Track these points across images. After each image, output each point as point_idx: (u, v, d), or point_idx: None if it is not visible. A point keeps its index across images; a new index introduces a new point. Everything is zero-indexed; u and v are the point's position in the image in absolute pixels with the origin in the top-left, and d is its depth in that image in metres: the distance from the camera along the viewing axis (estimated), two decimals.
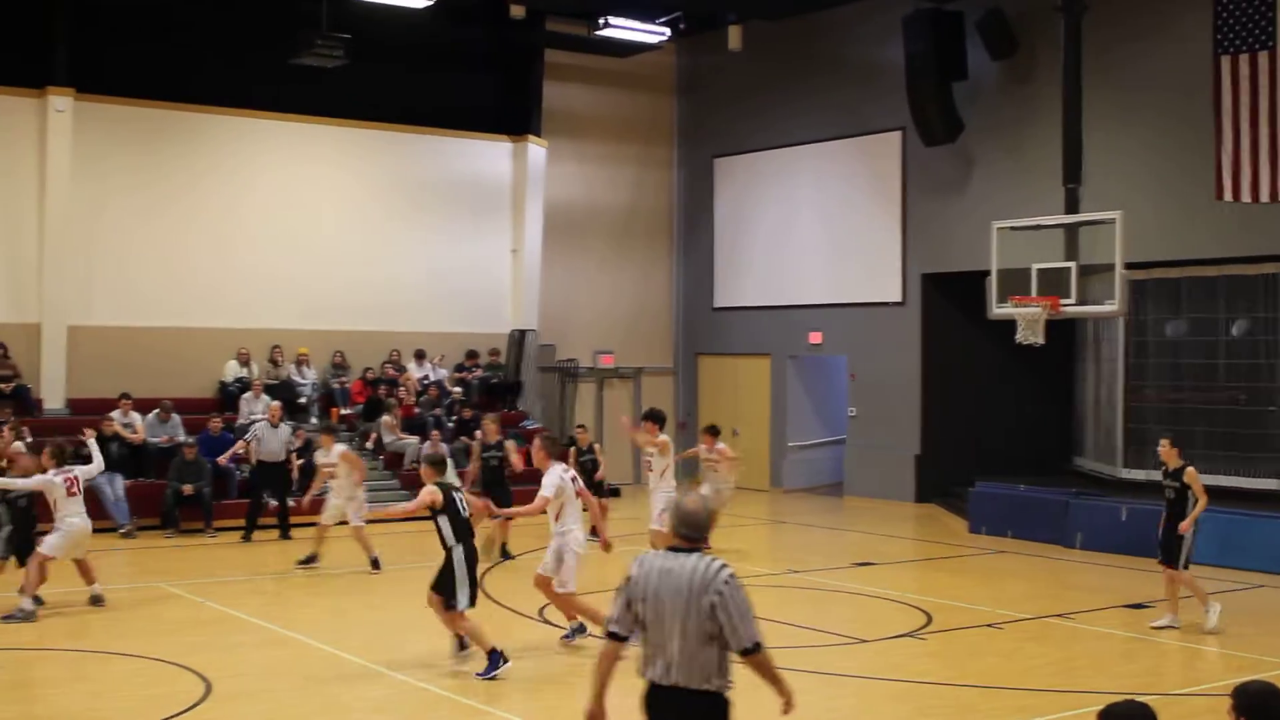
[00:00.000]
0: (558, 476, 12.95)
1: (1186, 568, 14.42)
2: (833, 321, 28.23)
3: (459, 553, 12.07)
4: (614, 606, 6.37)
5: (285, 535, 21.06)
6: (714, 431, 21.02)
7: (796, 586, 17.12)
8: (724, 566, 6.18)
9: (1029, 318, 20.01)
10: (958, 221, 25.45)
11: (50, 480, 14.70)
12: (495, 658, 11.90)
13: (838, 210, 28.20)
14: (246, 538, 20.84)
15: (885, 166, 27.17)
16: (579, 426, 22.99)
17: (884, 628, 14.34)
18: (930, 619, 14.89)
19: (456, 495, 12.34)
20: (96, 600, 15.23)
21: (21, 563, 14.81)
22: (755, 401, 30.07)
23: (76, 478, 15.02)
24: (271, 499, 21.30)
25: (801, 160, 28.91)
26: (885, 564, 19.26)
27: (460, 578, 12.04)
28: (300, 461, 21.61)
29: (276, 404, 21.95)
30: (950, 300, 26.27)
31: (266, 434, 21.19)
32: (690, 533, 6.31)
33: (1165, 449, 14.49)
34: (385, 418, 24.82)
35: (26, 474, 15.02)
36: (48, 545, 14.73)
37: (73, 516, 14.81)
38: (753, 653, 6.18)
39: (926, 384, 26.50)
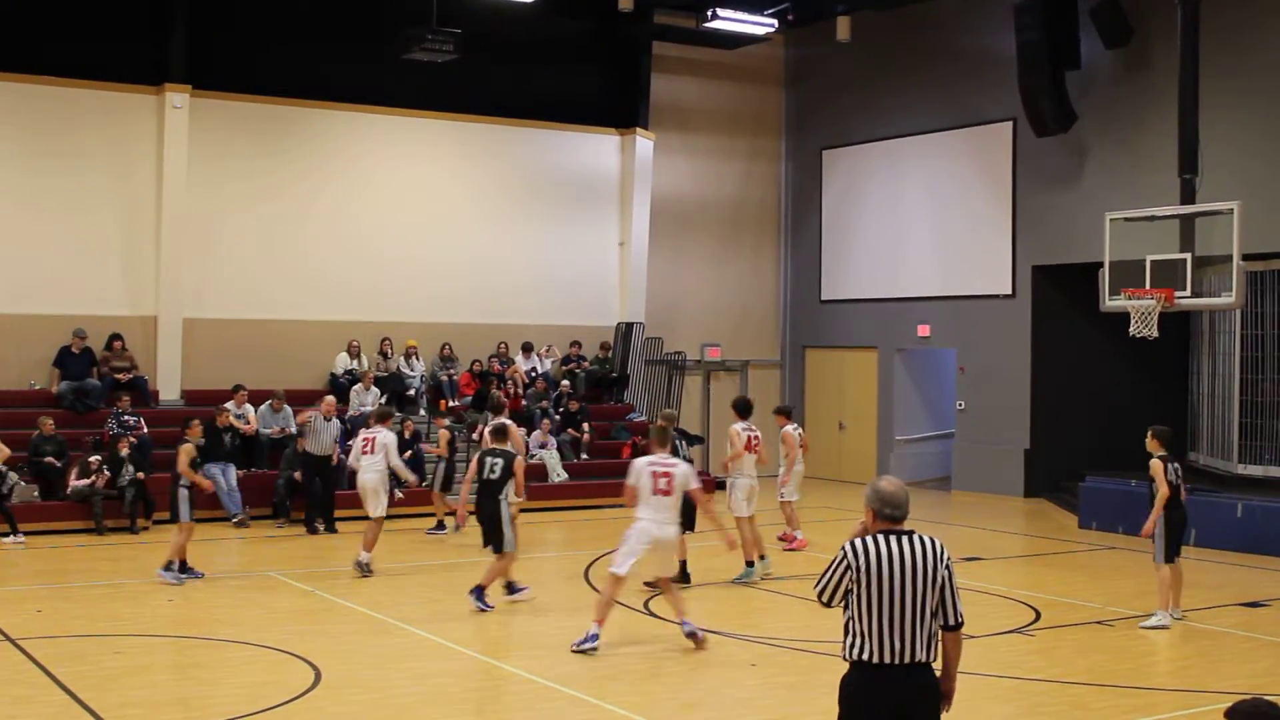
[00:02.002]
0: (638, 465, 13.00)
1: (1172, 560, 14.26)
2: (941, 314, 27.96)
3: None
4: (831, 589, 6.56)
5: (330, 529, 21.06)
6: (784, 412, 20.06)
7: None
8: (943, 545, 6.58)
9: (1142, 310, 19.67)
10: (1069, 213, 25.10)
11: None
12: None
13: (947, 202, 27.93)
14: (311, 529, 21.07)
15: (995, 158, 26.86)
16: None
17: (992, 624, 14.17)
18: (1039, 615, 14.70)
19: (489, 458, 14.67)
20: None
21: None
22: (862, 395, 29.87)
23: None
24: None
25: (910, 152, 28.66)
26: (993, 559, 19.03)
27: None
28: (409, 454, 21.79)
29: (331, 399, 21.59)
30: (1061, 292, 25.92)
31: (320, 426, 21.12)
32: (896, 513, 6.59)
33: (1151, 441, 14.42)
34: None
35: None
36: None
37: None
38: (958, 628, 6.59)
39: (1036, 377, 26.17)
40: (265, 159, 25.41)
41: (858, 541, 6.53)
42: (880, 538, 6.52)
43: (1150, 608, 14.62)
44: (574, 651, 12.41)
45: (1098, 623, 14.32)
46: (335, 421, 21.29)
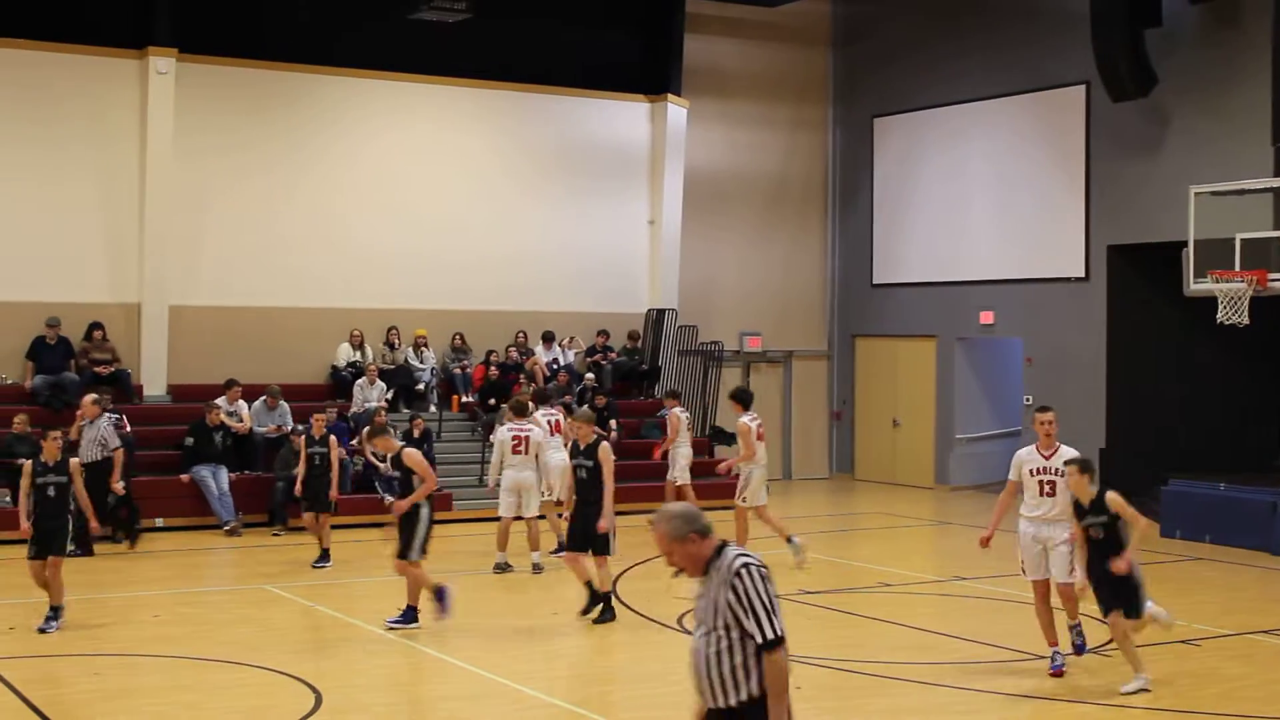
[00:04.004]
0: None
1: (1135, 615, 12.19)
2: (1006, 299, 27.83)
3: None
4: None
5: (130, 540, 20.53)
6: (738, 399, 19.59)
7: (964, 595, 16.89)
8: (743, 557, 6.36)
9: (1231, 294, 19.54)
10: (1150, 186, 24.92)
11: None
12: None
13: (1013, 175, 27.79)
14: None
15: (1067, 125, 26.69)
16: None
17: (1066, 643, 14.06)
18: None
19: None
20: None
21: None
22: (918, 388, 29.75)
23: None
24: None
25: (972, 119, 28.52)
26: None
27: None
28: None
29: (90, 398, 20.62)
30: (1140, 275, 25.76)
31: (84, 432, 20.24)
32: (708, 527, 6.47)
33: (1074, 479, 12.29)
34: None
35: None
36: None
37: None
38: (770, 646, 6.29)
39: (1112, 369, 26.01)
40: (259, 130, 25.43)
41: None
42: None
43: (1240, 625, 14.49)
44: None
45: (1182, 643, 14.20)
46: (101, 422, 20.19)
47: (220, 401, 22.72)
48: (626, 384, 27.90)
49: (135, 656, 13.33)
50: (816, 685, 11.94)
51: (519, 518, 18.37)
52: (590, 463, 15.23)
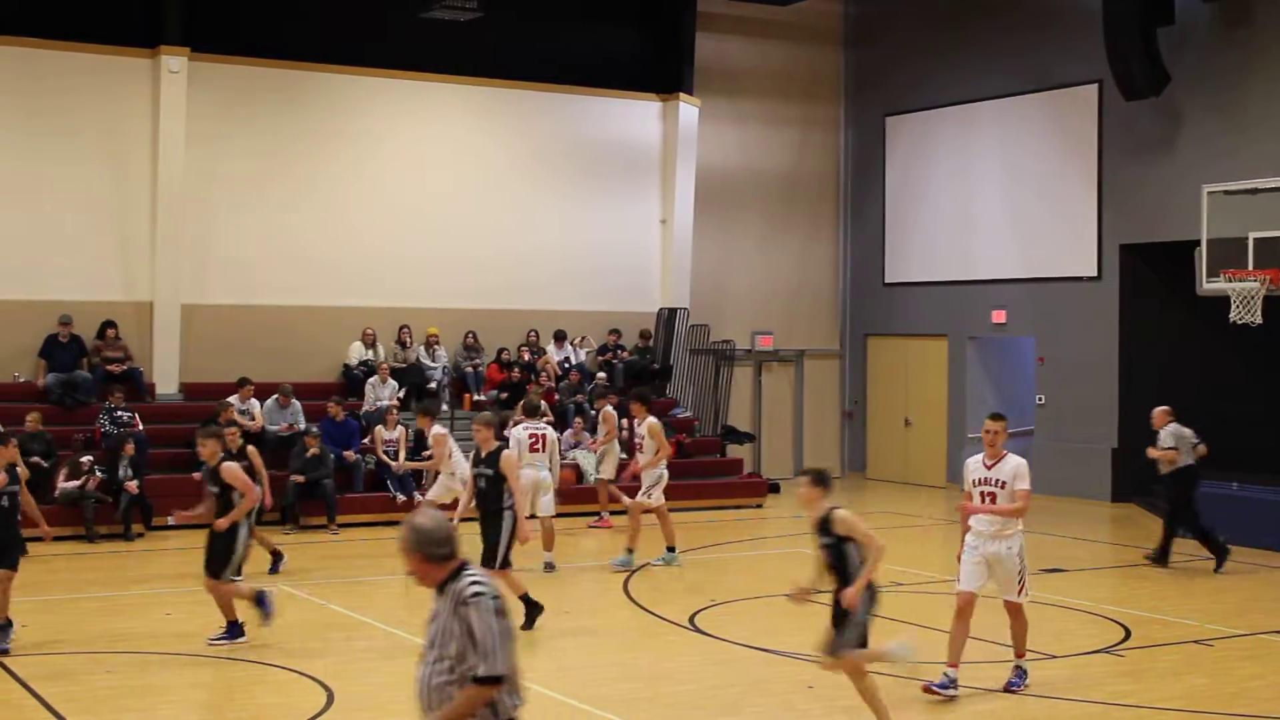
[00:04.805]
0: None
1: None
2: (1018, 298, 27.81)
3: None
4: None
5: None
6: (641, 399, 19.52)
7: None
8: (476, 582, 6.12)
9: (1244, 293, 19.54)
10: (1162, 185, 24.90)
11: None
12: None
13: (1025, 173, 27.76)
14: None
15: (1079, 124, 26.67)
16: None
17: (1076, 643, 14.08)
18: (1129, 633, 14.59)
19: None
20: None
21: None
22: (930, 388, 29.74)
23: None
24: None
25: (984, 117, 28.50)
26: (1077, 571, 18.91)
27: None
28: (427, 452, 21.82)
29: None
30: (1153, 274, 25.74)
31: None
32: (445, 550, 6.17)
33: (802, 491, 10.98)
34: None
35: None
36: None
37: None
38: (486, 682, 6.07)
39: (1125, 369, 25.99)
40: (270, 129, 25.47)
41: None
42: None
43: (1254, 625, 14.47)
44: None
45: (1195, 642, 14.21)
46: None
47: (232, 400, 22.75)
48: (638, 383, 27.85)
49: (149, 654, 13.36)
50: (832, 684, 11.92)
51: (533, 516, 18.37)
52: (490, 471, 14.35)
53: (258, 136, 25.35)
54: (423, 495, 20.48)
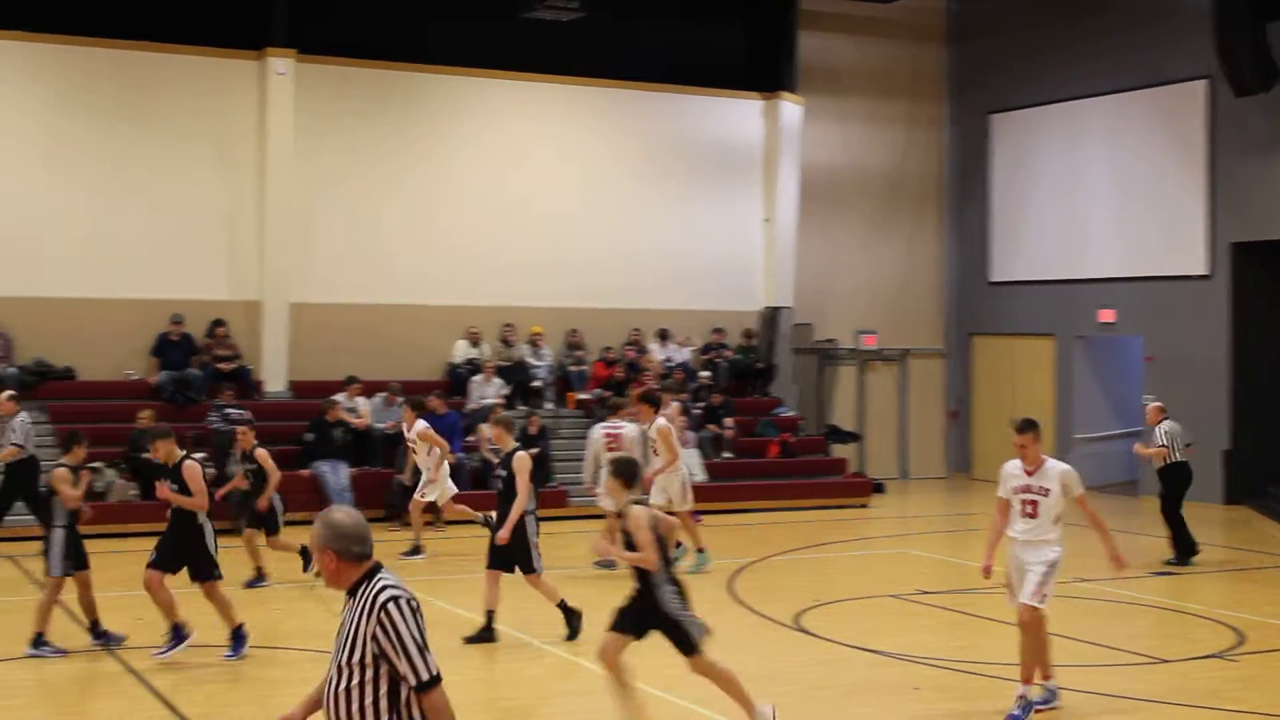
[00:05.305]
0: None
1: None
2: (1127, 297, 27.49)
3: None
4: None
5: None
6: (649, 400, 18.72)
7: (1084, 597, 16.70)
8: (393, 588, 5.84)
9: None
10: (1274, 182, 24.55)
11: None
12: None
13: (1133, 171, 27.46)
14: None
15: (1188, 121, 26.35)
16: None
17: (1187, 647, 13.91)
18: (1243, 638, 14.36)
19: None
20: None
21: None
22: (1036, 388, 29.46)
23: None
24: None
25: (1090, 115, 28.20)
26: (1188, 574, 18.66)
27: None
28: (536, 450, 21.87)
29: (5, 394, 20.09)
30: (1266, 272, 25.46)
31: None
32: (365, 548, 5.90)
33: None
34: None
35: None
36: None
37: None
38: (424, 688, 5.84)
39: (1237, 368, 25.64)
40: (376, 129, 25.70)
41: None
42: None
43: None
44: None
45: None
46: (16, 420, 19.61)
47: (340, 398, 23.00)
48: (742, 382, 27.87)
49: (260, 649, 13.50)
50: (937, 687, 11.88)
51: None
52: (505, 473, 13.96)
53: (365, 136, 25.59)
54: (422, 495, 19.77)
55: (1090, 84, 28.11)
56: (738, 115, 28.71)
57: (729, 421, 26.00)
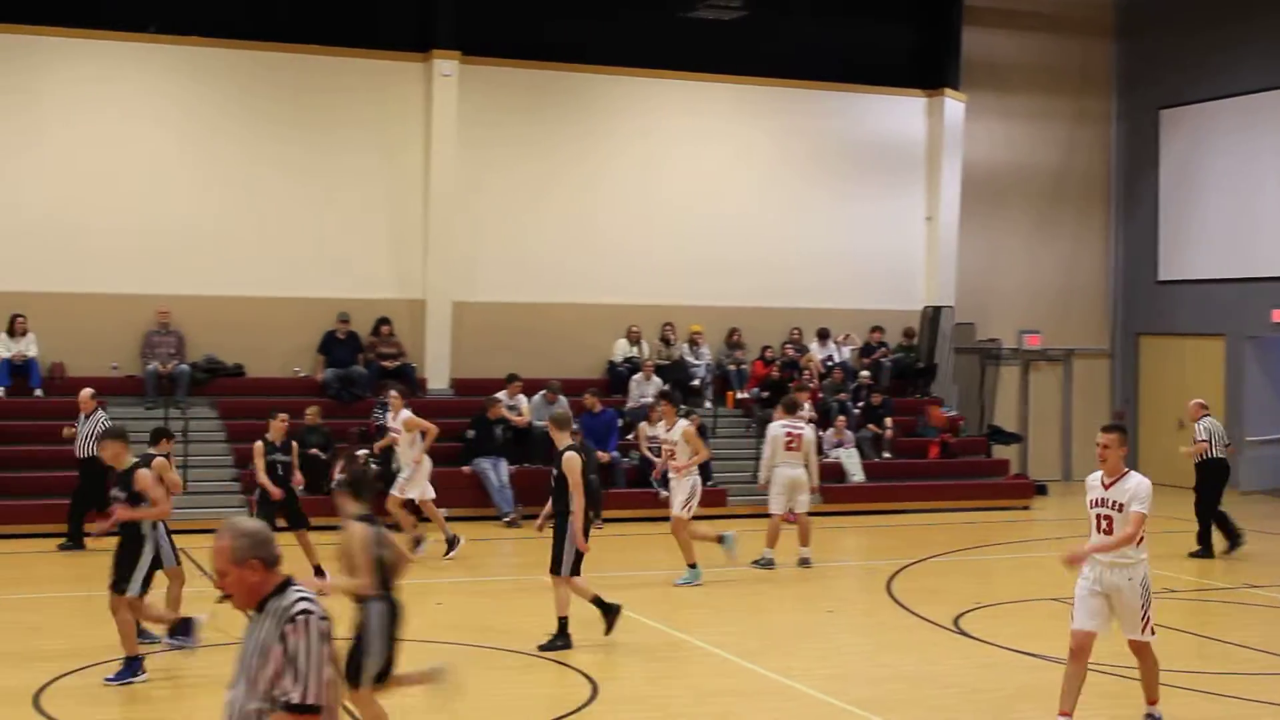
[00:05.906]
0: None
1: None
2: None
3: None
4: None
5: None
6: (670, 399, 18.44)
7: (1255, 604, 16.34)
8: (304, 601, 5.53)
9: None
10: None
11: None
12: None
13: None
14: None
15: None
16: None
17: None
18: None
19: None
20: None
21: None
22: (1206, 389, 28.70)
23: None
24: None
25: (1265, 109, 27.59)
26: None
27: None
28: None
29: (87, 392, 19.70)
30: None
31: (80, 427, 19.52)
32: (276, 553, 5.60)
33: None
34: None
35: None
36: None
37: None
38: (296, 711, 5.44)
39: None
40: (538, 129, 25.90)
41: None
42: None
43: None
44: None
45: None
46: (97, 416, 19.29)
47: (501, 395, 23.21)
48: (903, 382, 27.63)
49: (419, 642, 13.66)
50: (1100, 693, 11.67)
51: (791, 513, 18.29)
52: (557, 472, 13.57)
53: (525, 137, 25.80)
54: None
55: (1264, 77, 27.48)
56: (900, 113, 28.48)
57: (889, 422, 25.79)
